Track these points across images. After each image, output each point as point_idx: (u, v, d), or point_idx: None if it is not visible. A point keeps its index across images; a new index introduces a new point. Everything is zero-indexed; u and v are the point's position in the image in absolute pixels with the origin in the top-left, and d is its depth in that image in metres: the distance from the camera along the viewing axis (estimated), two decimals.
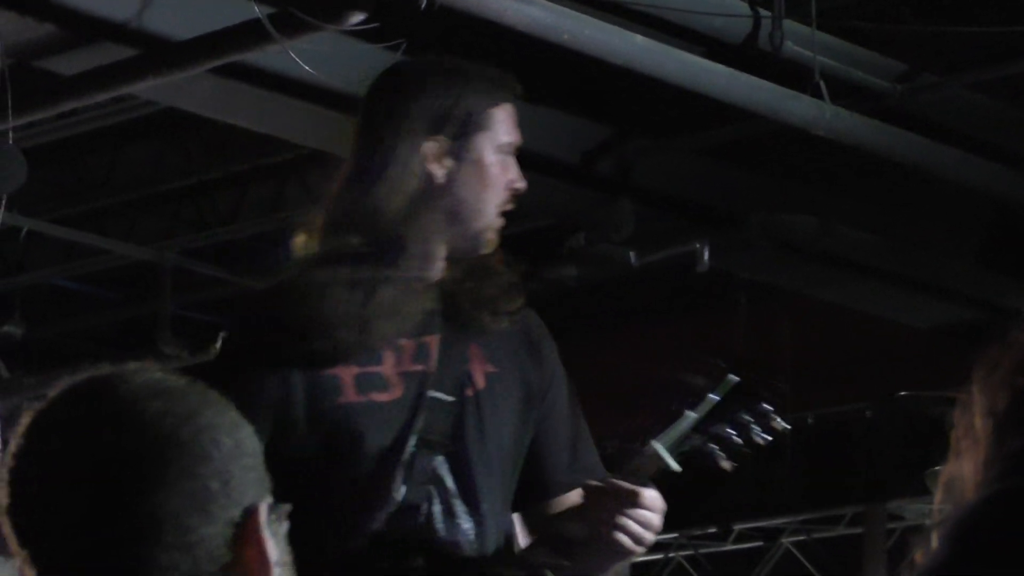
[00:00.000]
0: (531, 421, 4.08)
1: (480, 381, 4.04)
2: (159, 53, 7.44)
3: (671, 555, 11.57)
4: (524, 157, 7.45)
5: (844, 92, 7.98)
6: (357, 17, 7.00)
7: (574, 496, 4.07)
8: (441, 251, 4.03)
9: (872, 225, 9.33)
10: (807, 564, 11.20)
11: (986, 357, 1.93)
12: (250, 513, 2.07)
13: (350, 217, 4.00)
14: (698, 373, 4.00)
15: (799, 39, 7.68)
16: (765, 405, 3.98)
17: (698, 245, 9.01)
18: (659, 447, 3.93)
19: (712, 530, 11.39)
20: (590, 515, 3.95)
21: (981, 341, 1.96)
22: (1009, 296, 8.97)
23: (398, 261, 3.96)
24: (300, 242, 4.09)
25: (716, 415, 3.98)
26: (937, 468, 1.99)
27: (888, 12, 7.96)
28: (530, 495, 4.12)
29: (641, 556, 4.98)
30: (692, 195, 9.20)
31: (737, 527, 11.32)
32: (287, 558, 2.10)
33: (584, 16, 7.25)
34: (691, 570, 11.69)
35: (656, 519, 3.93)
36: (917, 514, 9.96)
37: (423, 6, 6.93)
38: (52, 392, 2.13)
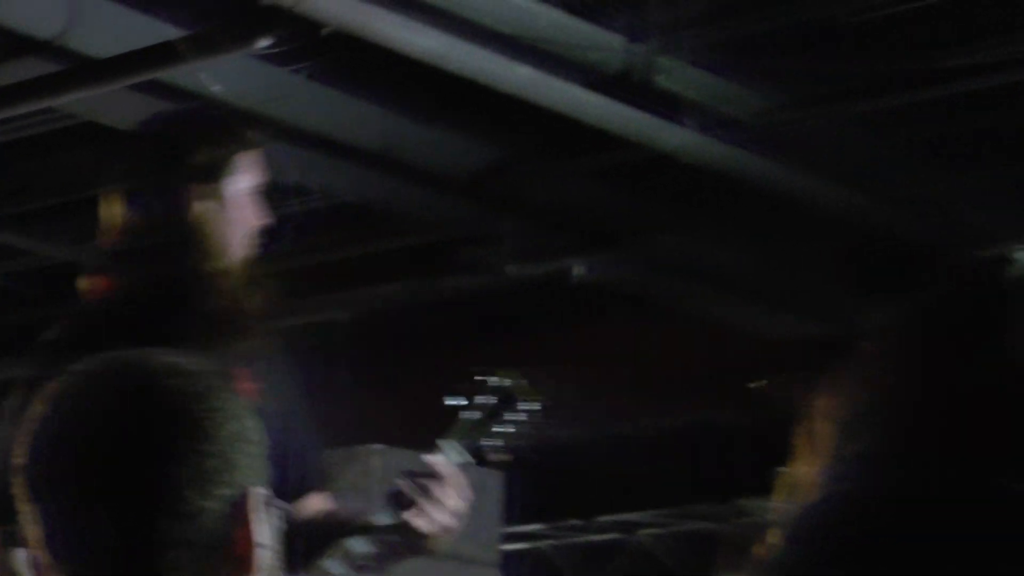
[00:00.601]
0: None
1: None
2: (81, 69, 7.52)
3: (536, 544, 11.55)
4: (418, 174, 7.79)
5: (711, 122, 8.14)
6: (265, 41, 7.17)
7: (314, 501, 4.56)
8: (209, 280, 4.40)
9: (735, 245, 9.39)
10: (662, 558, 11.20)
11: (833, 368, 1.96)
12: (245, 495, 2.18)
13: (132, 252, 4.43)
14: (482, 380, 4.54)
15: (670, 73, 7.78)
16: (533, 408, 4.55)
17: (573, 261, 9.16)
18: (446, 445, 4.46)
19: (574, 522, 11.46)
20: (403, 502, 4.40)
21: (830, 353, 2.01)
22: (858, 313, 9.00)
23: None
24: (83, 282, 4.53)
25: (493, 417, 4.54)
26: (783, 469, 1.98)
27: (753, 49, 8.04)
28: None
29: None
30: (574, 212, 9.27)
31: (597, 519, 11.41)
32: (274, 543, 2.21)
33: (473, 47, 7.34)
34: (553, 559, 11.65)
35: (456, 505, 4.40)
36: (765, 512, 10.01)
37: (323, 33, 7.12)
38: (80, 365, 2.24)
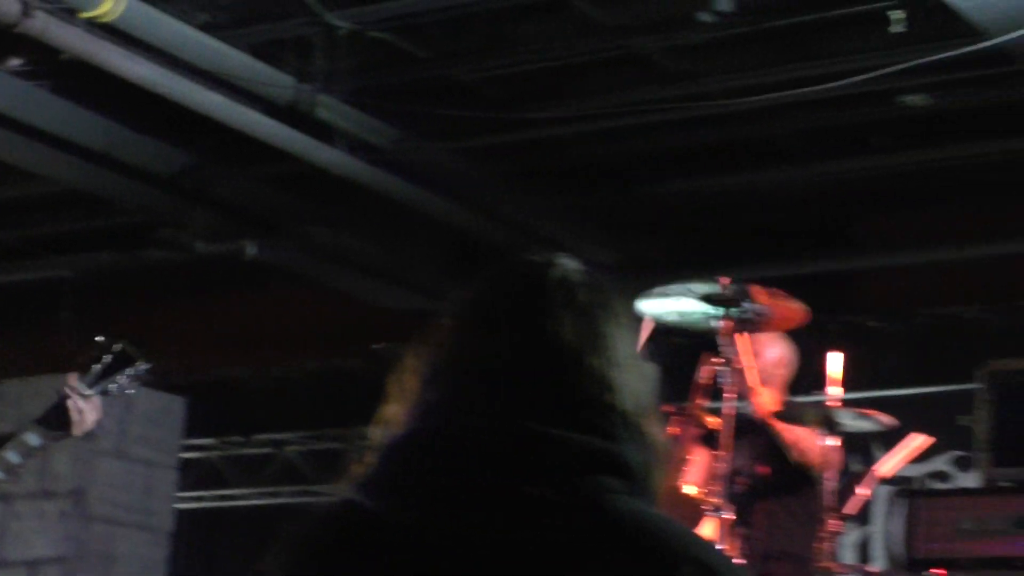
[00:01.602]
0: None
1: None
2: None
3: (207, 454, 11.40)
4: (130, 170, 7.70)
5: (356, 146, 8.21)
6: (17, 61, 7.08)
7: None
8: None
9: (368, 237, 9.39)
10: (303, 469, 11.07)
11: (421, 332, 1.94)
12: None
13: None
14: (105, 341, 4.75)
15: (328, 107, 7.84)
16: (140, 367, 4.79)
17: (246, 242, 9.07)
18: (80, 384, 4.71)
19: (236, 438, 11.30)
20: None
21: (427, 322, 1.97)
22: (448, 291, 9.18)
23: None
24: None
25: (112, 369, 4.77)
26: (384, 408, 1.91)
27: (392, 94, 8.07)
28: None
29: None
30: (247, 207, 9.24)
31: (255, 436, 11.28)
32: None
33: (177, 76, 7.33)
34: (219, 467, 11.51)
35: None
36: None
37: (62, 58, 7.08)
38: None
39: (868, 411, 5.34)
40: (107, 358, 4.75)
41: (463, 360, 1.88)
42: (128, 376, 4.77)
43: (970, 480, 5.54)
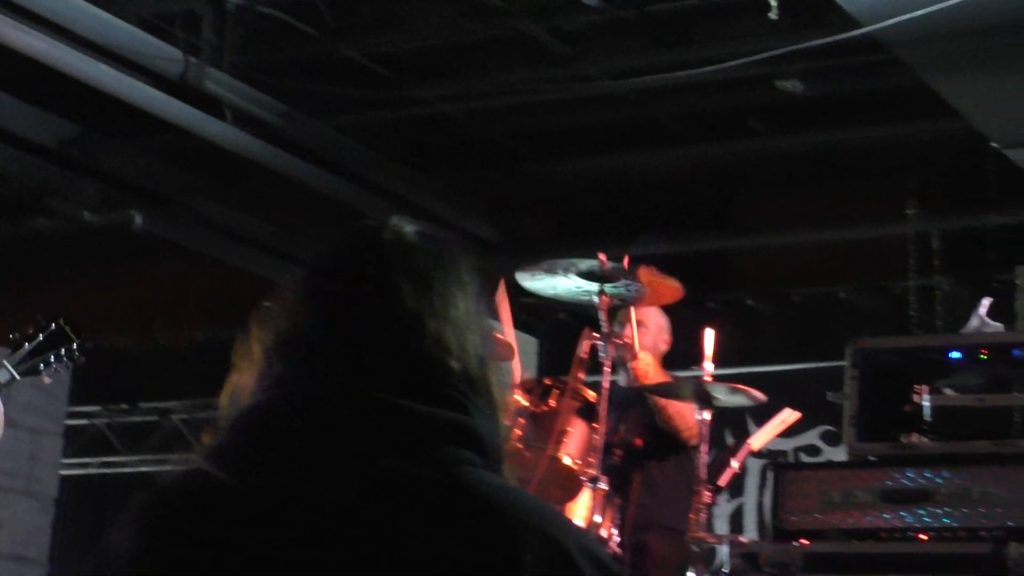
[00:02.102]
0: None
1: None
2: None
3: (93, 422, 11.35)
4: (18, 141, 7.55)
5: (246, 120, 8.16)
6: None
7: None
8: None
9: (260, 212, 9.38)
10: (188, 436, 11.03)
11: (264, 303, 1.88)
12: None
13: None
14: (39, 319, 4.73)
15: (217, 81, 7.76)
16: (73, 347, 4.67)
17: (134, 213, 9.00)
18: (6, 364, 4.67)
19: (123, 406, 11.30)
20: None
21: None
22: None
23: None
24: None
25: (42, 347, 4.72)
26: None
27: (279, 70, 8.11)
28: None
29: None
30: (135, 179, 9.14)
31: (140, 405, 11.28)
32: None
33: (68, 49, 7.24)
34: (110, 436, 11.47)
35: None
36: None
37: None
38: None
39: (741, 386, 5.43)
40: (40, 337, 4.65)
41: (305, 330, 1.83)
42: (60, 357, 4.67)
43: (839, 454, 5.66)
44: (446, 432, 1.75)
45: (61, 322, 4.70)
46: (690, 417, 5.92)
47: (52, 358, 4.68)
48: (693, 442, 5.88)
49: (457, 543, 1.69)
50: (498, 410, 1.83)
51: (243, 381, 1.86)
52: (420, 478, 1.71)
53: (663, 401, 5.99)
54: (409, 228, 1.90)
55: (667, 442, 6.10)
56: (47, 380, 4.76)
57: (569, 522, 1.79)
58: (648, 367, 5.99)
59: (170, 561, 1.72)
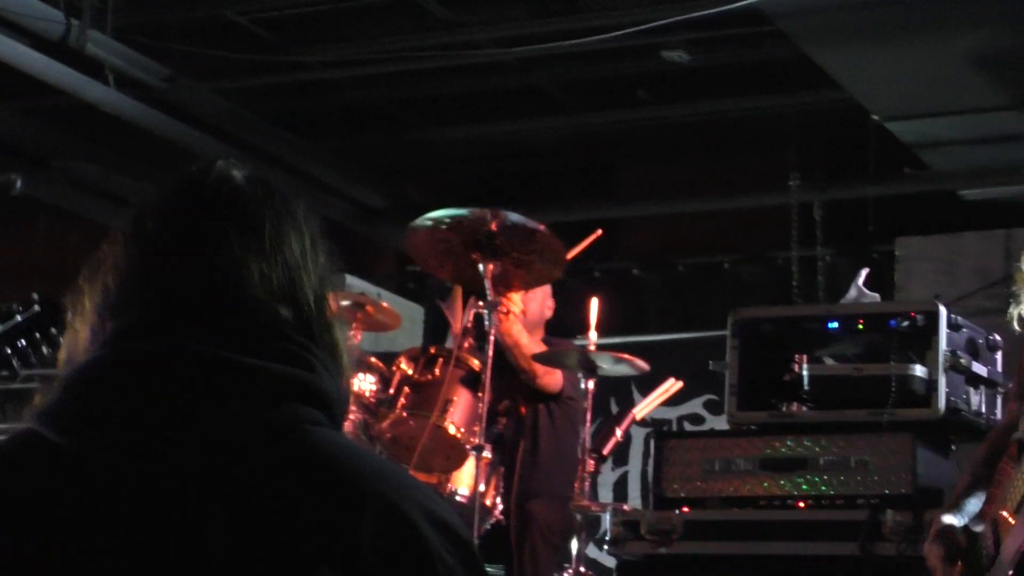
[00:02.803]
0: None
1: None
2: None
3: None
4: None
5: (128, 83, 8.11)
6: None
7: None
8: None
9: (142, 176, 9.05)
10: None
11: (94, 258, 1.81)
12: None
13: None
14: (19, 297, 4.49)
15: (98, 44, 7.68)
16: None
17: (14, 176, 8.92)
18: None
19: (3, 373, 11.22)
20: None
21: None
22: None
23: None
24: None
25: (17, 330, 4.36)
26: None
27: (161, 32, 8.03)
28: None
29: None
30: (16, 141, 9.08)
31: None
32: None
33: None
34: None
35: None
36: None
37: None
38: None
39: (624, 355, 5.47)
40: (18, 318, 4.31)
41: (132, 283, 1.75)
42: (33, 338, 4.35)
43: (722, 423, 5.72)
44: (286, 389, 1.67)
45: (42, 300, 4.35)
46: (570, 387, 5.97)
47: (21, 341, 4.35)
48: (552, 388, 5.96)
49: (295, 507, 1.63)
50: (340, 362, 1.75)
51: (78, 338, 1.78)
52: (257, 438, 1.64)
53: (540, 373, 6.01)
54: (236, 171, 1.80)
55: (553, 411, 6.13)
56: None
57: (418, 487, 1.73)
58: (526, 340, 6.00)
59: None
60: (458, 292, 6.07)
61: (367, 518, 1.63)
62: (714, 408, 8.35)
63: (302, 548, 1.61)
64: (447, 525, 1.69)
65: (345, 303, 6.17)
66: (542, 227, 5.52)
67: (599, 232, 6.18)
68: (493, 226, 5.48)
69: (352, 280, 9.52)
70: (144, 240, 1.78)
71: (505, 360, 6.00)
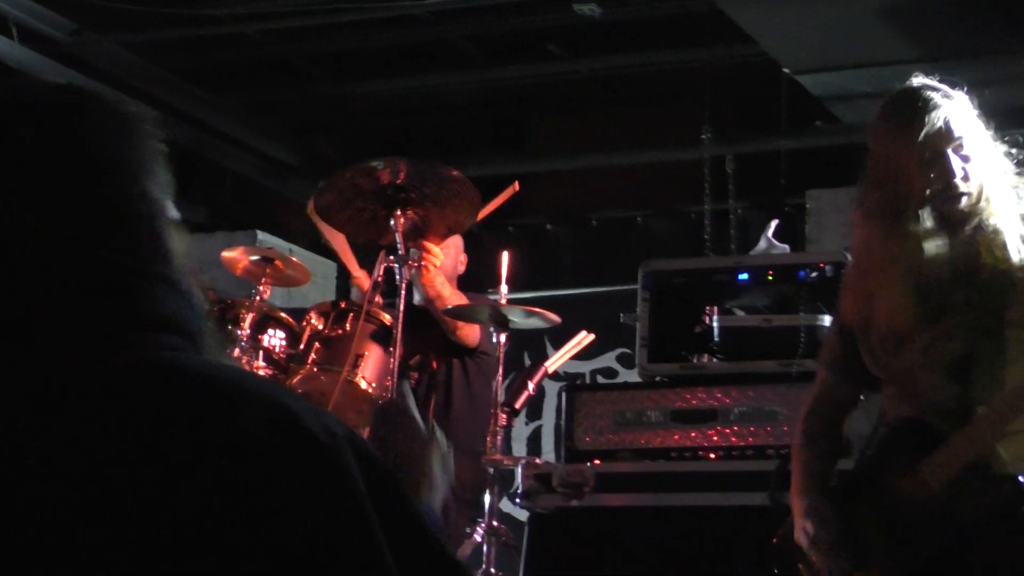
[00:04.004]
0: None
1: None
2: None
3: None
4: None
5: (33, 36, 8.02)
6: None
7: None
8: None
9: None
10: None
11: None
12: None
13: None
14: None
15: None
16: None
17: None
18: None
19: None
20: None
21: None
22: None
23: None
24: None
25: None
26: None
27: None
28: None
29: None
30: None
31: None
32: None
33: None
34: None
35: None
36: None
37: None
38: None
39: (535, 309, 5.47)
40: None
41: None
42: None
43: (634, 376, 5.74)
44: (135, 319, 1.55)
45: None
46: (483, 340, 5.97)
47: None
48: (471, 342, 5.96)
49: (165, 426, 1.48)
50: (187, 283, 1.61)
51: None
52: (122, 365, 1.51)
53: (456, 328, 6.01)
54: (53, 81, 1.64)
55: (466, 366, 6.13)
56: None
57: (297, 394, 1.64)
58: (440, 294, 5.98)
59: None
60: (341, 237, 6.02)
61: (251, 421, 1.51)
62: (627, 361, 8.38)
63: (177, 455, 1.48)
64: (330, 429, 1.54)
65: (254, 258, 6.12)
66: (455, 172, 5.48)
67: (516, 186, 6.17)
68: (402, 177, 5.43)
69: (263, 236, 9.45)
70: None
71: (416, 315, 5.98)
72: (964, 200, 3.59)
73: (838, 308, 3.81)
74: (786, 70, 8.02)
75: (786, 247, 5.41)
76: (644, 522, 5.00)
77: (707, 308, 5.11)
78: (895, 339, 3.62)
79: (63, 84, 1.65)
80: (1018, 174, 3.69)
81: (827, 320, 4.97)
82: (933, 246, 3.58)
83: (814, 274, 5.04)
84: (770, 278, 5.18)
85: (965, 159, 3.61)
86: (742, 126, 9.18)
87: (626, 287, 6.47)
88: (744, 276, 5.20)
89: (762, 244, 5.37)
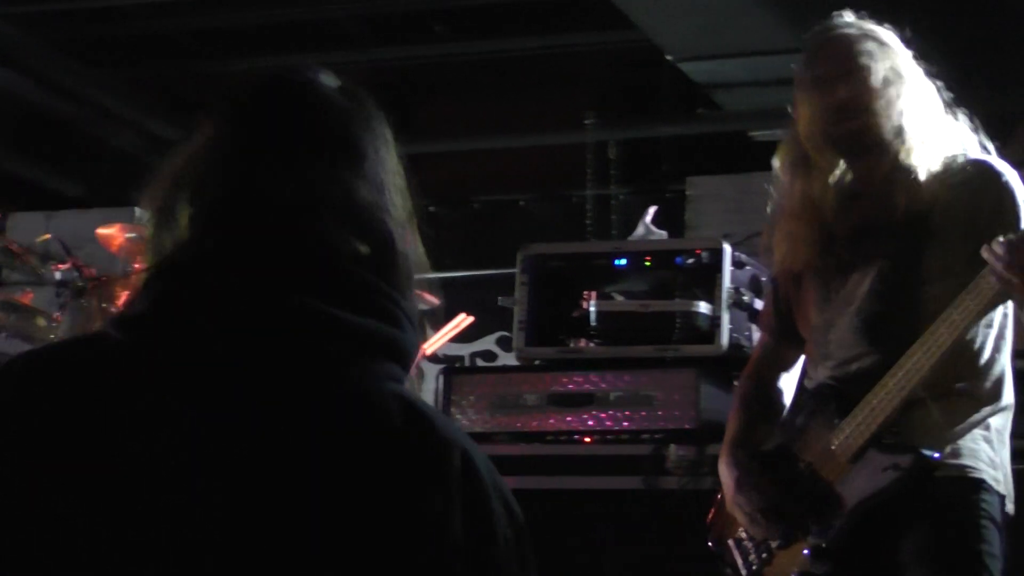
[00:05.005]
0: None
1: None
2: None
3: None
4: None
5: None
6: None
7: None
8: None
9: None
10: None
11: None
12: None
13: None
14: None
15: None
16: None
17: None
18: None
19: None
20: None
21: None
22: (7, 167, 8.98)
23: None
24: None
25: None
26: None
27: None
28: None
29: None
30: None
31: None
32: None
33: None
34: None
35: None
36: None
37: None
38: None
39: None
40: None
41: (215, 199, 1.64)
42: None
43: (513, 359, 5.75)
44: (375, 346, 1.61)
45: None
46: None
47: None
48: None
49: (382, 454, 1.58)
50: (415, 314, 1.68)
51: (162, 244, 1.68)
52: (340, 389, 1.58)
53: None
54: (327, 79, 1.71)
55: None
56: None
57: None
58: None
59: (22, 409, 1.57)
60: None
61: (455, 462, 1.61)
62: (507, 345, 8.40)
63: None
64: (498, 486, 1.70)
65: (131, 235, 6.06)
66: None
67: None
68: None
69: (141, 212, 9.35)
70: (223, 150, 1.69)
71: None
72: (855, 124, 3.38)
73: (772, 265, 3.66)
74: (668, 57, 8.07)
75: (664, 233, 5.45)
76: (519, 504, 5.01)
77: (585, 293, 5.13)
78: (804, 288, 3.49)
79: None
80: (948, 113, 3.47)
81: (702, 306, 5.01)
82: (839, 189, 3.42)
83: (691, 260, 5.08)
84: (648, 264, 5.21)
85: (863, 89, 3.42)
86: (625, 112, 9.23)
87: (507, 271, 6.48)
88: (622, 261, 5.23)
89: (640, 230, 5.40)
